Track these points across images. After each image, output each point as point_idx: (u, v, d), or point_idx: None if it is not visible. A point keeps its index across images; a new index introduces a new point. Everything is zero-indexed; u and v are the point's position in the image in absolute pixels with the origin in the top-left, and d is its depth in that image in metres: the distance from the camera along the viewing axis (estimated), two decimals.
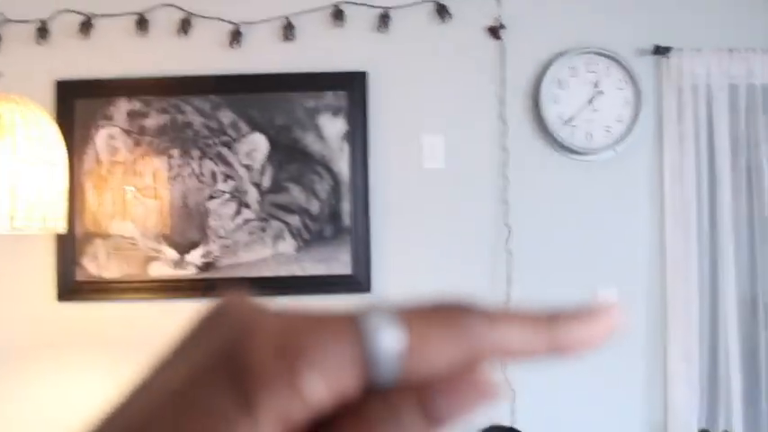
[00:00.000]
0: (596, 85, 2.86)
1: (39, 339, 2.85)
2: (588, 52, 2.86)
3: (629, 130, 2.86)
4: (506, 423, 2.79)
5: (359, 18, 2.89)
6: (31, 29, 2.86)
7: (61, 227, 2.17)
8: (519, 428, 2.74)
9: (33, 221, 2.07)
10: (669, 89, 2.88)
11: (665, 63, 2.89)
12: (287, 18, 2.87)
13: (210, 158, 2.83)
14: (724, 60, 2.86)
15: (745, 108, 2.89)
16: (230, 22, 2.87)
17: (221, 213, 2.83)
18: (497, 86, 2.90)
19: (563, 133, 2.86)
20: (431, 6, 2.90)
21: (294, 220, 2.85)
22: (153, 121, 2.83)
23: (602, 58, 2.86)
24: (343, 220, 2.85)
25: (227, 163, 2.83)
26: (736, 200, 2.90)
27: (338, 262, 2.84)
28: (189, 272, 2.84)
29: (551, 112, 2.86)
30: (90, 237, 2.83)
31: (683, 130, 2.86)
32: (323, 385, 0.28)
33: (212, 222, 2.83)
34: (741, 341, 2.90)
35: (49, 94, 2.82)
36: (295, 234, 2.85)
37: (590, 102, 2.87)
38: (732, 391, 2.85)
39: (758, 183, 2.91)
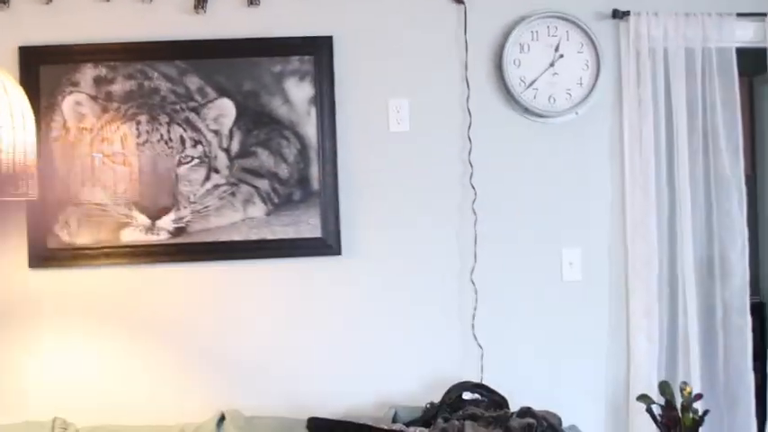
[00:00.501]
0: (557, 49, 2.92)
1: (11, 307, 2.87)
2: (549, 16, 2.92)
3: (590, 92, 2.93)
4: (475, 379, 2.87)
5: None
6: None
7: (33, 193, 2.19)
8: (487, 384, 2.82)
9: (5, 187, 2.09)
10: (628, 52, 2.95)
11: (624, 27, 2.96)
12: None
13: (178, 124, 2.85)
14: (680, 24, 2.94)
15: (701, 71, 2.97)
16: None
17: (191, 179, 2.86)
18: (461, 50, 2.95)
19: (525, 96, 2.92)
20: None
21: (263, 184, 2.89)
22: (119, 86, 2.84)
23: (563, 21, 2.92)
24: (312, 183, 2.89)
25: (195, 128, 2.85)
26: (692, 161, 2.99)
27: (308, 225, 2.89)
28: (161, 237, 2.87)
29: (514, 76, 2.92)
30: (61, 204, 2.84)
31: (642, 93, 2.94)
32: None
33: (182, 188, 2.86)
34: (698, 297, 3.01)
35: (12, 61, 2.82)
36: (264, 198, 2.89)
37: (551, 65, 2.93)
38: (690, 345, 2.96)
39: (714, 144, 3.00)
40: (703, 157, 3.01)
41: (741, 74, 3.04)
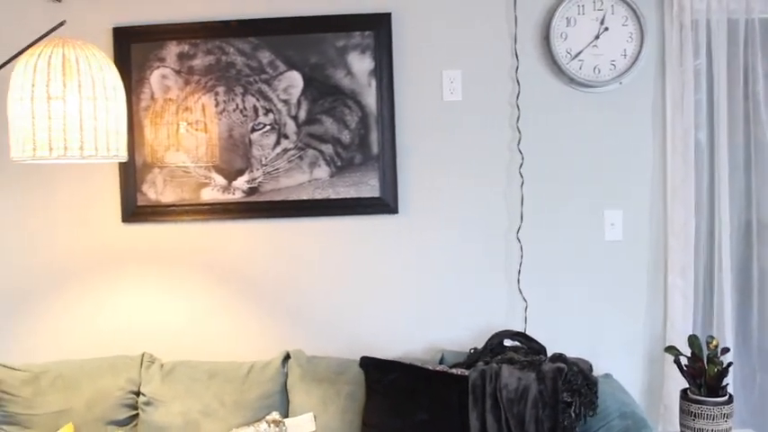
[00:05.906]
0: (602, 22, 3.09)
1: (107, 256, 3.26)
2: None
3: (633, 63, 3.08)
4: (520, 330, 3.10)
5: None
6: None
7: (123, 156, 2.52)
8: (529, 335, 3.04)
9: (99, 151, 2.41)
10: (671, 25, 3.07)
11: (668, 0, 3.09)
12: None
13: (252, 94, 3.16)
14: None
15: (743, 42, 3.08)
16: None
17: (263, 144, 3.17)
18: (510, 24, 3.14)
19: (571, 67, 3.10)
20: None
21: (328, 148, 3.17)
22: (200, 61, 3.16)
23: None
24: (372, 148, 3.16)
25: (266, 98, 3.16)
26: (733, 128, 3.11)
27: (367, 186, 3.17)
28: (236, 196, 3.20)
29: (560, 48, 3.10)
30: (148, 166, 3.20)
31: (684, 64, 3.06)
32: None
33: (255, 152, 3.17)
34: (735, 259, 3.14)
35: (107, 40, 3.17)
36: (329, 161, 3.18)
37: (596, 38, 3.09)
38: (725, 305, 3.09)
39: (755, 113, 3.10)
40: (744, 125, 3.12)
41: None
